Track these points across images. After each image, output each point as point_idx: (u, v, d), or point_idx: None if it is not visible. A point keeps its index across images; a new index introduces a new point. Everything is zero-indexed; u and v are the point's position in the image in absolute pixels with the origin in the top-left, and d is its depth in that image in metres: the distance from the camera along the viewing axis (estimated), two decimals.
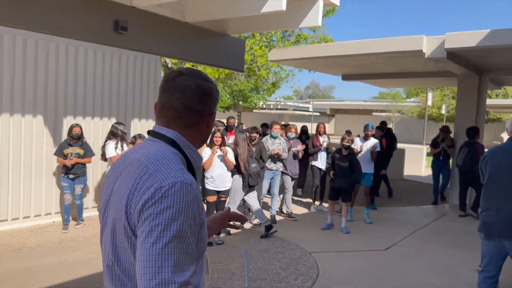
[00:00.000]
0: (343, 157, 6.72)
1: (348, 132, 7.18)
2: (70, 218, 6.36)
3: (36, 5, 5.92)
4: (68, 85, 6.60)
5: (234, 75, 18.37)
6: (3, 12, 5.58)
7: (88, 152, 6.30)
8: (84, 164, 6.33)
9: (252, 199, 6.45)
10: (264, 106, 48.09)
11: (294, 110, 53.17)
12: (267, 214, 7.31)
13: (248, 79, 16.71)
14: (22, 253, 5.24)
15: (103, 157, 6.30)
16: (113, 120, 7.31)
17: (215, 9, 7.96)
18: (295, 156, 7.74)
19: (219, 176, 5.90)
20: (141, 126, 7.81)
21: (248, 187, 6.30)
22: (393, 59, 8.64)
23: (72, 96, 6.66)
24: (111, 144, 6.21)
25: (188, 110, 1.32)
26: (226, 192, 6.05)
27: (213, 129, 5.99)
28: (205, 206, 7.32)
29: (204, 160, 5.82)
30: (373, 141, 7.78)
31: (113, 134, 6.27)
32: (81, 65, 6.74)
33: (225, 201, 6.13)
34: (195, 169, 1.37)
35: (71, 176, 6.16)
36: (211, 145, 5.90)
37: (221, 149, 5.94)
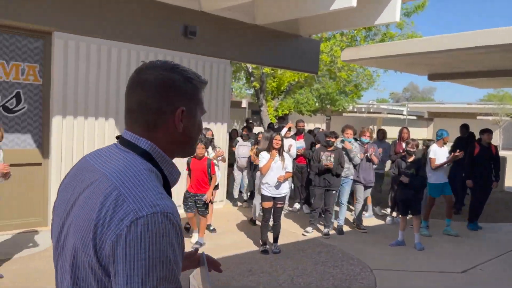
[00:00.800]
0: (409, 164, 6.05)
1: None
2: None
3: (110, 15, 6.26)
4: None
5: (319, 78, 17.97)
6: (81, 23, 5.99)
7: None
8: None
9: (258, 204, 6.63)
10: (355, 110, 46.49)
11: (388, 113, 50.59)
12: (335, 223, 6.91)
13: (330, 81, 16.15)
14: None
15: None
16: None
17: (285, 10, 7.75)
18: (369, 161, 7.20)
19: (275, 182, 5.66)
20: (211, 128, 7.86)
21: None
22: (491, 55, 7.60)
23: None
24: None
25: (143, 108, 1.09)
26: (283, 199, 5.80)
27: (271, 133, 5.76)
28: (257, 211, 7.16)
29: (261, 165, 5.64)
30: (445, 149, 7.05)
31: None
32: None
33: (282, 207, 5.88)
34: (171, 185, 1.14)
35: None
36: (269, 149, 5.69)
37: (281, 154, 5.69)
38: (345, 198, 6.94)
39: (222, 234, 6.44)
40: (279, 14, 7.91)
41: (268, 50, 8.62)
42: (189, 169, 5.72)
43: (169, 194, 1.10)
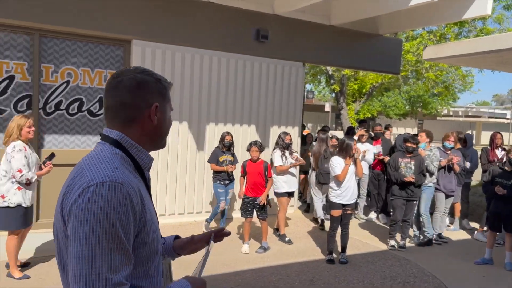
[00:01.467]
0: (507, 174, 5.33)
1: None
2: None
3: (183, 22, 6.51)
4: (211, 94, 7.04)
5: (409, 79, 16.97)
6: (157, 30, 6.30)
7: (235, 159, 6.46)
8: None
9: (318, 202, 7.00)
10: (451, 113, 43.14)
11: (489, 117, 46.23)
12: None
13: (417, 82, 15.16)
14: None
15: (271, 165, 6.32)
16: (253, 128, 7.50)
17: (362, 8, 7.41)
18: (450, 169, 6.56)
19: (347, 188, 5.36)
20: (280, 131, 7.77)
21: (319, 183, 6.95)
22: None
23: (214, 103, 7.08)
24: (277, 152, 6.22)
25: (122, 105, 1.27)
26: (352, 205, 5.48)
27: (345, 140, 5.44)
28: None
29: (338, 172, 5.30)
30: None
31: (276, 143, 6.32)
32: (223, 74, 7.12)
33: (351, 214, 5.58)
34: (143, 169, 1.32)
35: (227, 182, 6.30)
36: (344, 155, 5.34)
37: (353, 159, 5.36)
38: (423, 207, 6.39)
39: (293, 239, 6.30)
40: (356, 13, 7.58)
41: (345, 51, 8.31)
42: (244, 172, 5.67)
43: (142, 176, 1.31)
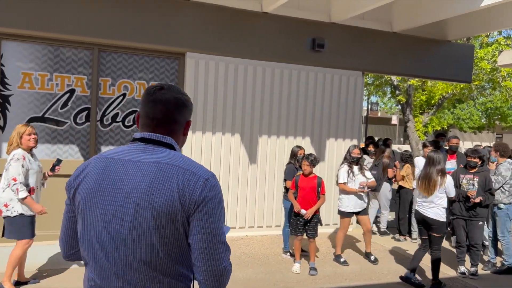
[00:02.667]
0: None
1: None
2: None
3: (236, 33, 6.44)
4: (264, 105, 6.87)
5: (485, 89, 15.71)
6: (210, 43, 6.29)
7: None
8: None
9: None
10: None
11: None
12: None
13: (493, 92, 13.89)
14: None
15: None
16: (307, 141, 7.20)
17: (426, 13, 6.90)
18: None
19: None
20: (338, 145, 7.41)
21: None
22: None
23: (267, 115, 6.89)
24: (344, 167, 5.81)
25: (168, 119, 1.50)
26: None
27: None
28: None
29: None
30: None
31: (344, 158, 5.93)
32: (276, 85, 6.93)
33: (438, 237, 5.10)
34: None
35: None
36: None
37: None
38: (500, 229, 5.67)
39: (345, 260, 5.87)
40: (420, 18, 7.07)
41: (409, 59, 7.77)
42: (296, 187, 5.34)
43: None
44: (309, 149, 6.99)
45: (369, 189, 5.84)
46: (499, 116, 25.26)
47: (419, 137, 13.47)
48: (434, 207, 4.91)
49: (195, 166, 1.42)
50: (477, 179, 5.34)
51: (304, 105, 7.14)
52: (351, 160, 5.81)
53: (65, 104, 5.97)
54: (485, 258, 5.98)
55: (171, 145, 1.48)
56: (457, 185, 5.43)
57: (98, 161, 1.47)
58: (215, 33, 6.34)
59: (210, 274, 1.37)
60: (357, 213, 5.85)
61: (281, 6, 6.37)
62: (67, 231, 1.55)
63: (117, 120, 6.25)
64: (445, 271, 5.57)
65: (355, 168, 5.79)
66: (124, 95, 6.26)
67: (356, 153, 5.79)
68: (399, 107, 15.90)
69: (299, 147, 5.95)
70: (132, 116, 6.33)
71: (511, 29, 11.85)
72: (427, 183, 4.88)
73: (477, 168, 5.41)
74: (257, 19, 6.56)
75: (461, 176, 5.47)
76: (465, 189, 5.38)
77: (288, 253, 5.89)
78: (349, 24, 7.19)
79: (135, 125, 6.34)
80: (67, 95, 5.97)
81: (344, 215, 5.81)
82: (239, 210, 6.84)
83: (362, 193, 5.74)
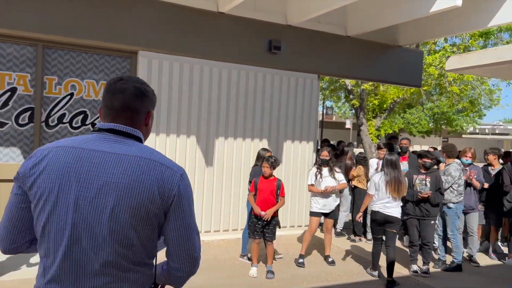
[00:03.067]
0: None
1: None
2: None
3: (191, 33, 6.27)
4: (221, 107, 6.74)
5: (433, 95, 16.38)
6: (164, 41, 6.08)
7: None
8: None
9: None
10: (477, 131, 41.82)
11: None
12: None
13: (440, 97, 14.54)
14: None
15: None
16: (265, 143, 7.14)
17: (380, 18, 7.04)
18: (469, 185, 6.07)
19: None
20: (295, 148, 7.41)
21: None
22: None
23: (224, 116, 6.77)
24: (313, 169, 5.93)
25: (126, 108, 1.50)
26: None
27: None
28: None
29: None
30: None
31: (315, 160, 6.06)
32: (233, 86, 6.83)
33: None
34: None
35: None
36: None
37: None
38: (450, 228, 5.86)
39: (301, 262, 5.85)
40: (373, 23, 7.23)
41: (363, 63, 7.92)
42: (255, 189, 5.25)
43: None
44: None
45: (334, 190, 5.83)
46: (445, 121, 26.61)
47: (372, 140, 13.84)
48: (396, 206, 5.15)
49: (168, 161, 1.49)
50: (429, 179, 5.49)
51: (261, 107, 7.08)
52: (320, 163, 5.87)
53: (5, 104, 5.55)
54: (435, 256, 6.15)
55: (139, 138, 1.52)
56: (411, 186, 5.55)
57: (62, 151, 1.42)
58: (170, 32, 6.14)
59: (186, 262, 1.49)
60: (325, 215, 5.87)
61: (237, 6, 6.29)
62: (13, 223, 1.47)
63: (64, 121, 5.89)
64: (399, 270, 5.67)
65: (325, 170, 5.82)
66: (71, 94, 5.92)
67: (324, 155, 5.83)
68: (353, 111, 16.30)
69: (265, 149, 5.88)
70: (80, 117, 5.99)
71: (457, 36, 12.46)
72: (397, 186, 5.10)
73: (430, 169, 5.56)
74: (213, 19, 6.43)
75: (414, 176, 5.61)
76: (418, 189, 5.52)
77: (246, 257, 5.78)
78: (305, 27, 7.22)
79: (83, 127, 6.01)
80: (8, 94, 5.55)
81: (311, 215, 5.86)
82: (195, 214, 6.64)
83: (331, 195, 5.78)
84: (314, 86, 7.61)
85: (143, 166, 1.41)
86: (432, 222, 5.57)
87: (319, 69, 7.56)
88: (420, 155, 5.70)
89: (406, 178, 5.18)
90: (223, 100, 6.76)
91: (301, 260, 5.73)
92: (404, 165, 7.12)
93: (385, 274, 5.25)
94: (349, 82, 13.94)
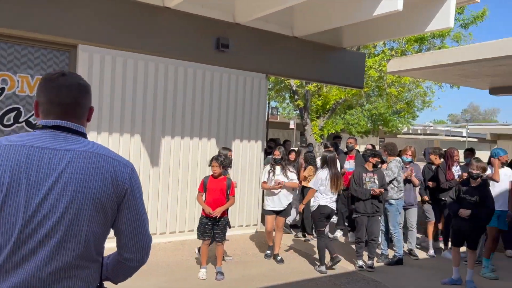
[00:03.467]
0: (471, 190, 5.11)
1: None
2: None
3: (137, 27, 6.01)
4: (167, 105, 6.54)
5: (371, 97, 17.05)
6: (106, 35, 5.77)
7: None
8: None
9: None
10: (410, 131, 44.41)
11: (446, 135, 47.89)
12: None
13: (379, 99, 15.20)
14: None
15: None
16: (213, 142, 7.02)
17: (325, 19, 7.17)
18: (408, 182, 6.39)
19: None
20: (243, 147, 7.36)
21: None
22: None
23: (170, 115, 6.58)
24: (267, 167, 6.16)
25: (74, 104, 1.50)
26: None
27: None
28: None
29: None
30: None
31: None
32: (180, 84, 6.65)
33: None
34: None
35: None
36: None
37: None
38: (392, 224, 6.10)
39: (250, 262, 5.81)
40: (319, 24, 7.35)
41: (309, 64, 8.05)
42: (204, 189, 5.14)
43: None
44: (215, 151, 6.80)
45: (283, 185, 5.88)
46: (382, 122, 28.02)
47: (315, 140, 14.16)
48: (334, 200, 5.62)
49: (117, 155, 1.53)
50: (376, 177, 5.70)
51: (209, 105, 6.96)
52: (272, 162, 6.08)
53: None
54: (378, 251, 6.38)
55: (85, 134, 1.53)
56: (361, 184, 5.73)
57: (9, 149, 1.38)
58: (113, 26, 5.84)
59: (140, 252, 1.54)
60: (277, 213, 5.97)
61: (183, 1, 6.10)
62: None
63: None
64: (345, 266, 5.81)
65: (277, 169, 5.99)
66: (2, 89, 5.44)
67: (276, 154, 6.03)
68: (297, 111, 16.59)
69: (226, 148, 5.92)
70: (13, 114, 5.53)
71: (394, 41, 13.08)
72: (337, 181, 5.53)
73: (376, 167, 5.82)
74: (159, 14, 6.21)
75: (364, 175, 5.78)
76: (368, 187, 5.69)
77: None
78: (253, 26, 7.20)
79: (16, 124, 5.55)
80: None
81: (265, 213, 6.09)
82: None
83: (282, 193, 5.92)
84: (262, 85, 7.62)
85: (95, 161, 1.44)
86: (379, 218, 5.79)
87: (267, 69, 7.57)
88: (375, 154, 5.91)
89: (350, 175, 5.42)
90: (169, 98, 6.56)
91: (268, 252, 6.09)
92: (350, 164, 7.36)
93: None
94: (293, 83, 14.15)
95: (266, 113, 7.88)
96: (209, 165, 5.19)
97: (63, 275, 1.37)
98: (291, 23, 7.82)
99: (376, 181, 5.70)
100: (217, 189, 5.04)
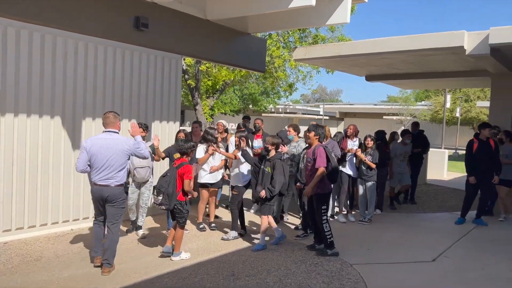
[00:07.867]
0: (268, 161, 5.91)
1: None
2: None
3: (58, 2, 5.56)
4: (87, 84, 6.23)
5: (248, 78, 17.95)
6: (22, 6, 5.22)
7: None
8: None
9: None
10: (273, 110, 47.74)
11: (303, 114, 52.70)
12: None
13: (264, 81, 16.24)
14: (40, 264, 4.86)
15: None
16: (133, 120, 6.92)
17: (238, 6, 7.56)
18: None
19: None
20: (161, 126, 7.41)
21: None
22: (424, 58, 8.19)
23: (91, 95, 6.29)
24: (201, 146, 6.46)
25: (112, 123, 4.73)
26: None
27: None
28: None
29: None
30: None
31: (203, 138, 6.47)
32: (100, 63, 6.37)
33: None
34: None
35: None
36: None
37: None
38: None
39: (186, 238, 6.09)
40: (232, 11, 7.69)
41: (219, 47, 8.35)
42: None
43: None
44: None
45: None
46: (252, 101, 29.96)
47: (206, 119, 14.55)
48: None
49: (123, 138, 4.49)
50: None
51: (129, 86, 6.82)
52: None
53: None
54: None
55: (117, 133, 4.27)
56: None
57: (95, 140, 4.61)
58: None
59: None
60: (211, 185, 6.51)
61: None
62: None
63: None
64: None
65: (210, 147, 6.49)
66: None
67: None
68: (187, 91, 16.69)
69: (181, 130, 6.41)
70: None
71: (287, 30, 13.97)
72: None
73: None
74: None
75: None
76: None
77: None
78: (169, 6, 7.19)
79: None
80: None
81: (200, 186, 6.50)
82: (64, 203, 6.06)
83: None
84: (178, 66, 7.71)
85: (116, 142, 4.52)
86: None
87: (181, 50, 7.65)
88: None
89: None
90: (90, 78, 6.27)
91: (202, 226, 6.60)
92: (259, 142, 8.00)
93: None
94: (184, 62, 14.19)
95: (181, 94, 7.99)
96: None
97: (112, 176, 4.40)
98: (203, 6, 7.99)
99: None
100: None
